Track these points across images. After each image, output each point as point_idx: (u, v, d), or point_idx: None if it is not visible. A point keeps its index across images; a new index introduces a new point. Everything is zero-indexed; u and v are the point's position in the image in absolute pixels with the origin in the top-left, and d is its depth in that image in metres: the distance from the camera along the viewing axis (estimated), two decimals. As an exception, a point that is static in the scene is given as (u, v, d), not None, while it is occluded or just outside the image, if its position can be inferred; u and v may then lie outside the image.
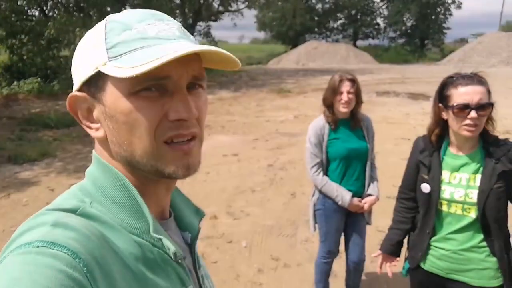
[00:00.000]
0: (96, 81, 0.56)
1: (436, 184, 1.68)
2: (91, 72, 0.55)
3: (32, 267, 0.42)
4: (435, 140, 1.71)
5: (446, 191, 1.66)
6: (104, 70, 0.53)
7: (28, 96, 11.58)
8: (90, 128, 0.60)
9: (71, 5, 13.76)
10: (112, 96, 0.55)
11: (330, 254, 2.56)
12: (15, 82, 12.45)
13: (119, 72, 0.51)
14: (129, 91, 0.54)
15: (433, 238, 1.75)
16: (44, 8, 14.11)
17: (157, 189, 0.63)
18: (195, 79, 0.58)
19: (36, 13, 14.40)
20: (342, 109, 2.30)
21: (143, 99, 0.54)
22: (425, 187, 1.71)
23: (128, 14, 0.57)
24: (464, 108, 1.54)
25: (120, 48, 0.54)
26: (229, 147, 6.82)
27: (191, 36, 0.60)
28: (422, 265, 1.80)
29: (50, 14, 13.60)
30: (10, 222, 3.97)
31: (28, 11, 14.30)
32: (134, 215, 0.57)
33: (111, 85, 0.55)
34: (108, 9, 13.96)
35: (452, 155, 1.68)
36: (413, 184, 1.79)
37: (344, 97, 2.26)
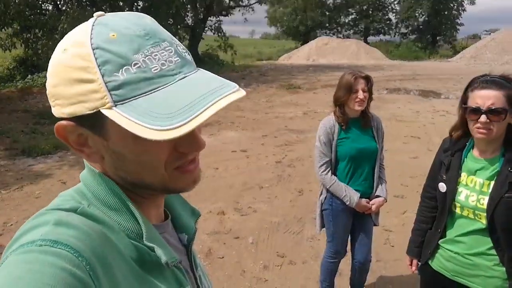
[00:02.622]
0: (92, 117, 0.50)
1: (452, 184, 1.67)
2: (86, 111, 0.50)
3: (34, 265, 0.43)
4: (456, 138, 1.71)
5: (463, 193, 1.64)
6: (111, 116, 0.48)
7: (43, 90, 11.74)
8: (81, 152, 0.56)
9: (84, 0, 13.89)
10: (117, 135, 0.52)
11: (337, 254, 2.56)
12: (29, 76, 12.65)
13: (137, 130, 0.46)
14: (135, 134, 0.47)
15: (443, 239, 1.75)
16: (58, 2, 14.27)
17: (156, 200, 0.64)
18: None
19: (50, 8, 14.59)
20: (358, 107, 2.28)
21: (152, 141, 0.48)
22: (442, 187, 1.71)
23: (116, 38, 0.50)
24: (475, 112, 1.53)
25: (125, 91, 0.48)
26: (238, 143, 6.85)
27: (185, 53, 0.56)
28: (430, 262, 1.82)
29: (63, 8, 13.75)
30: (23, 214, 4.07)
31: (42, 5, 14.49)
32: (130, 220, 0.57)
33: (115, 126, 0.49)
34: (121, 3, 14.07)
35: (473, 158, 1.66)
36: (436, 182, 1.79)
37: (360, 95, 2.25)
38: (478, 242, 1.62)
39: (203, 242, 3.54)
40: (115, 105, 0.48)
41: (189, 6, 20.36)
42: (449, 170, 1.70)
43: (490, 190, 1.56)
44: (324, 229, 2.57)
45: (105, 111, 0.48)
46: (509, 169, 1.53)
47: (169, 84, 0.50)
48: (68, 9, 12.67)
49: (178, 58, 0.53)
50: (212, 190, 4.72)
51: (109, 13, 0.54)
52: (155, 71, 0.50)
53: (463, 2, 36.59)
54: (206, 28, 22.87)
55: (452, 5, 36.22)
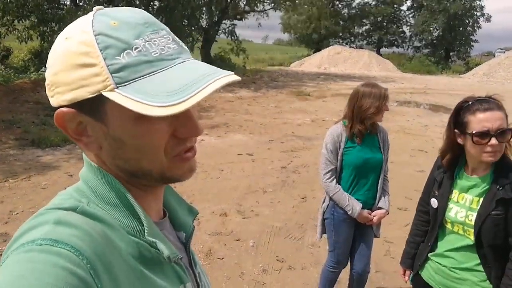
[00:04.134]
0: (94, 102, 0.51)
1: (443, 201, 1.70)
2: (88, 94, 0.51)
3: (35, 265, 0.43)
4: (447, 165, 1.71)
5: (453, 210, 1.67)
6: (113, 97, 0.49)
7: (55, 83, 11.88)
8: (79, 141, 0.57)
9: (101, -3, 14.09)
10: (117, 119, 0.53)
11: (338, 264, 2.55)
12: (43, 68, 12.82)
13: (138, 108, 0.47)
14: (135, 116, 0.50)
15: (433, 253, 1.80)
16: (76, -3, 14.50)
17: (155, 192, 0.64)
18: None
19: (68, 2, 14.84)
20: (382, 118, 2.32)
21: (152, 122, 0.52)
22: (434, 202, 1.75)
23: (117, 26, 0.52)
24: (485, 136, 1.50)
25: (126, 73, 0.50)
26: (244, 147, 6.88)
27: (182, 43, 0.58)
28: (420, 272, 1.88)
29: (81, 4, 13.97)
30: (29, 204, 4.13)
31: (60, 0, 14.74)
32: (130, 216, 0.57)
33: (115, 109, 0.51)
34: (137, 2, 14.25)
35: (465, 176, 1.67)
36: (429, 198, 1.82)
37: (387, 107, 2.30)
38: (467, 258, 1.65)
39: (204, 242, 3.56)
40: (117, 87, 0.49)
41: (204, 8, 20.54)
42: (441, 187, 1.73)
43: (478, 207, 1.58)
44: (324, 236, 2.58)
45: (107, 94, 0.49)
46: (498, 187, 1.54)
47: (168, 67, 0.52)
48: (85, 5, 12.88)
49: (175, 45, 0.55)
50: (216, 191, 4.76)
51: (108, 8, 0.57)
52: (155, 55, 0.52)
53: (478, 19, 36.43)
54: (220, 31, 23.03)
55: (467, 21, 36.07)
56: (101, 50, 0.50)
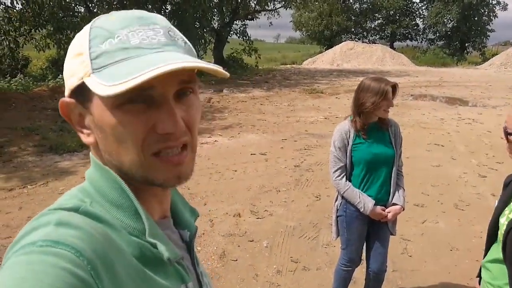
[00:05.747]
0: (83, 91, 0.54)
1: (501, 204, 1.52)
2: (76, 81, 0.54)
3: (36, 266, 0.43)
4: None
5: (506, 216, 1.46)
6: (88, 82, 0.52)
7: (72, 89, 12.15)
8: (81, 133, 0.59)
9: (114, 3, 14.32)
10: (98, 108, 0.54)
11: (351, 262, 2.51)
12: (60, 76, 13.10)
13: (100, 89, 0.49)
14: (113, 104, 0.52)
15: (483, 260, 1.60)
16: (89, 5, 14.77)
17: (155, 192, 0.63)
18: (184, 83, 0.55)
19: (82, 10, 15.12)
20: (386, 115, 2.27)
21: (128, 113, 0.53)
22: (495, 203, 1.58)
23: (113, 19, 0.55)
24: (506, 134, 1.39)
25: (103, 59, 0.52)
26: (257, 146, 6.87)
27: (179, 40, 0.58)
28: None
29: (95, 11, 14.22)
30: (48, 209, 4.23)
31: (74, 8, 15.03)
32: (132, 217, 0.57)
33: (96, 97, 0.53)
34: (149, 6, 14.41)
35: None
36: None
37: (391, 103, 2.23)
38: (500, 273, 1.43)
39: (218, 243, 3.56)
40: (93, 72, 0.52)
41: (215, 10, 20.61)
42: (505, 189, 1.55)
43: None
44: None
45: (85, 79, 0.53)
46: None
47: (143, 55, 0.52)
48: (99, 12, 13.09)
49: (164, 39, 0.55)
50: (229, 192, 4.76)
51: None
52: (134, 43, 0.53)
53: (494, 8, 35.44)
54: (232, 32, 23.07)
55: (482, 11, 35.12)
56: (90, 40, 0.54)
